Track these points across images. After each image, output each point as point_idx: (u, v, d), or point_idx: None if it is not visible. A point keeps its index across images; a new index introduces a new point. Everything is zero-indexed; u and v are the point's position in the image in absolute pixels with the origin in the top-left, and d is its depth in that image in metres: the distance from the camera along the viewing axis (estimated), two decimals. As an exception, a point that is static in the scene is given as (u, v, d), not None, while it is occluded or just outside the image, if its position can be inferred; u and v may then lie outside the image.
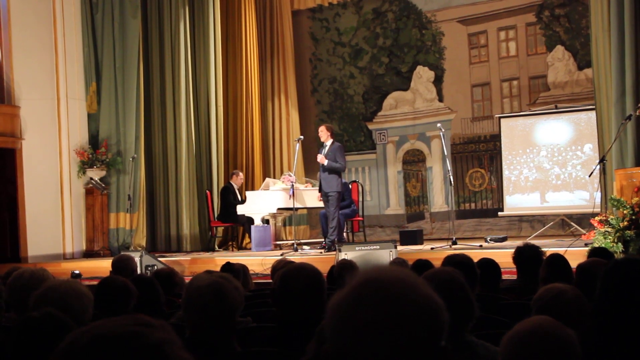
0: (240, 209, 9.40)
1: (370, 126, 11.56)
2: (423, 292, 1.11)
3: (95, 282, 6.74)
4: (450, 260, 3.28)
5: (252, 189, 10.11)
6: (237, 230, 10.20)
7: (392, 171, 11.30)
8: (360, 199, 9.64)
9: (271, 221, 9.56)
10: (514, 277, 4.27)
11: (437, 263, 4.05)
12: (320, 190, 8.27)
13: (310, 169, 11.51)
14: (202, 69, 10.44)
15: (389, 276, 1.12)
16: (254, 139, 11.08)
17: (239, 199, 9.72)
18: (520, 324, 1.83)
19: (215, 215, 9.75)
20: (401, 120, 11.29)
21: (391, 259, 6.37)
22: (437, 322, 1.09)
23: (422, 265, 3.89)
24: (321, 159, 7.99)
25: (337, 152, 8.03)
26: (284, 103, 11.47)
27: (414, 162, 11.23)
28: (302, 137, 9.37)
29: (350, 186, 9.44)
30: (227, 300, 2.26)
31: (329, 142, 8.13)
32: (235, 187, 9.76)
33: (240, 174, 9.85)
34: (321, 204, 8.82)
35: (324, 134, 8.15)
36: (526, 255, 4.08)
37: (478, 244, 7.79)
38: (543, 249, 4.13)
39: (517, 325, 1.83)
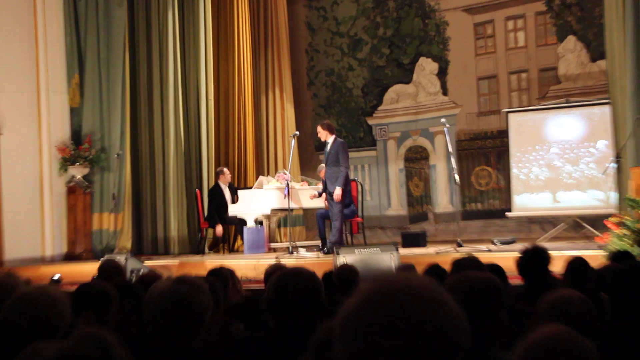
0: (232, 210, 9.35)
1: (370, 121, 11.57)
2: (448, 311, 1.05)
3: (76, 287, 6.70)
4: (459, 264, 3.23)
5: (245, 187, 10.04)
6: (228, 231, 10.14)
7: (393, 169, 11.31)
8: (360, 198, 9.62)
9: (265, 222, 9.52)
10: (520, 282, 4.25)
11: (446, 267, 4.02)
12: (324, 190, 8.23)
13: (306, 166, 11.54)
14: (191, 60, 10.40)
15: (411, 292, 1.06)
16: (247, 134, 11.05)
17: (228, 199, 9.66)
18: (534, 334, 1.77)
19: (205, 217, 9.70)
20: (403, 115, 11.29)
21: (394, 264, 6.34)
22: (459, 344, 1.05)
23: (436, 271, 3.82)
24: (323, 198, 8.30)
25: (340, 150, 8.03)
26: (278, 97, 11.46)
27: (416, 160, 11.23)
28: (297, 132, 9.36)
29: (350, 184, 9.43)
30: (192, 307, 2.23)
31: (330, 140, 8.12)
32: (224, 186, 9.70)
33: (226, 170, 9.78)
34: (318, 204, 8.77)
35: (322, 133, 8.16)
36: (532, 258, 4.04)
37: (485, 246, 7.75)
38: (554, 252, 4.09)
39: (530, 335, 1.77)
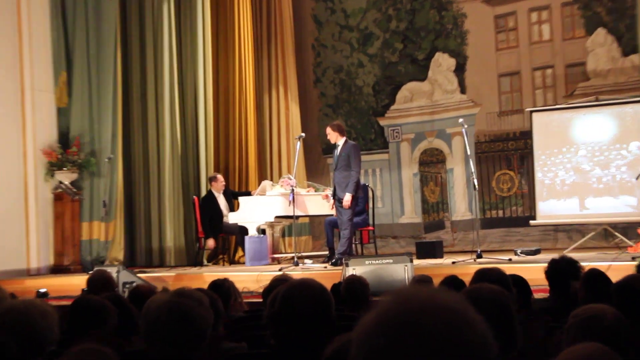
0: (233, 217, 9.37)
1: (382, 122, 11.57)
2: (476, 333, 1.03)
3: (64, 302, 6.71)
4: (482, 275, 3.23)
5: (246, 193, 10.06)
6: (228, 242, 10.15)
7: (407, 174, 11.31)
8: (371, 205, 9.64)
9: (268, 231, 9.55)
10: (546, 295, 4.27)
11: (464, 280, 4.01)
12: (333, 196, 8.27)
13: (313, 171, 11.57)
14: (189, 56, 10.44)
15: (436, 311, 1.04)
16: (249, 137, 11.09)
17: (224, 208, 9.71)
18: (565, 353, 1.76)
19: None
20: (417, 115, 11.29)
21: (408, 275, 6.32)
22: None
23: (452, 283, 3.82)
24: (331, 204, 8.36)
25: (352, 154, 8.07)
26: (282, 96, 11.49)
27: (432, 163, 11.24)
28: (303, 134, 9.37)
29: (368, 190, 9.48)
30: (192, 322, 2.22)
31: (341, 142, 8.17)
32: (217, 194, 9.72)
33: (219, 176, 9.85)
34: (326, 211, 8.81)
35: (332, 134, 8.21)
36: (560, 271, 4.03)
37: (507, 257, 7.74)
38: (582, 264, 4.09)
39: (562, 355, 1.75)
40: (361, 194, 8.50)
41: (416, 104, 11.30)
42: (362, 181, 8.94)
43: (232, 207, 9.82)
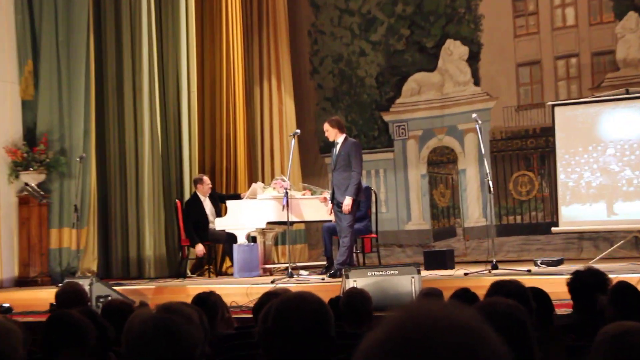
0: (220, 223, 9.37)
1: (386, 117, 11.59)
2: (494, 355, 1.04)
3: (30, 318, 6.70)
4: (498, 288, 3.23)
5: (235, 197, 10.06)
6: (214, 251, 10.13)
7: (414, 175, 11.33)
8: (374, 210, 9.63)
9: (259, 239, 9.56)
10: (570, 310, 4.30)
11: (477, 293, 4.00)
12: (332, 199, 8.26)
13: (309, 172, 11.58)
14: (170, 44, 10.45)
15: (448, 329, 1.03)
16: (238, 134, 11.11)
17: (209, 213, 9.72)
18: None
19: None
20: (426, 109, 11.31)
21: (415, 288, 6.31)
22: None
23: (463, 296, 3.80)
24: (329, 209, 8.33)
25: (353, 152, 8.08)
26: (275, 88, 11.51)
27: (442, 164, 11.27)
28: (298, 131, 9.38)
29: (371, 192, 9.48)
30: (180, 340, 2.21)
31: (340, 139, 8.18)
32: (203, 197, 9.73)
33: (205, 178, 9.88)
34: (324, 216, 8.85)
35: (330, 131, 8.22)
36: (585, 283, 4.02)
37: (526, 268, 7.75)
38: (610, 276, 4.10)
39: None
40: (363, 197, 8.48)
41: (424, 97, 11.31)
42: (364, 183, 8.93)
43: (219, 212, 9.81)
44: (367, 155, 10.87)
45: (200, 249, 9.47)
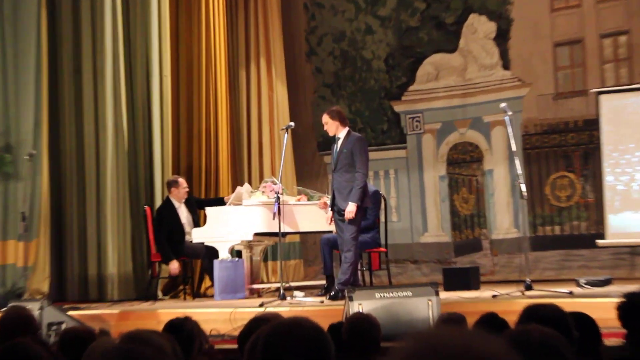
0: (197, 235, 9.36)
1: (398, 107, 11.61)
2: None
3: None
4: (532, 313, 3.24)
5: (216, 202, 10.03)
6: (191, 267, 10.10)
7: (431, 177, 11.36)
8: (383, 219, 9.65)
9: (245, 254, 9.57)
10: (621, 341, 4.22)
11: (507, 319, 3.97)
12: (332, 206, 8.26)
13: (305, 172, 11.60)
14: (138, 20, 10.44)
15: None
16: (220, 127, 11.15)
17: (186, 222, 9.72)
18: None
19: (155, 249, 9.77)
20: (445, 98, 11.34)
21: (433, 314, 6.28)
22: None
23: (491, 322, 3.78)
24: (328, 217, 8.32)
25: (357, 150, 8.08)
26: (264, 72, 11.55)
27: (464, 163, 11.31)
28: (292, 124, 9.38)
29: (380, 198, 9.49)
30: None
31: (342, 134, 8.20)
32: (178, 204, 9.74)
33: (181, 180, 9.89)
34: (323, 226, 8.82)
35: (330, 124, 8.22)
36: (637, 309, 4.00)
37: (566, 289, 7.73)
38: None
39: None
40: (369, 203, 8.48)
41: (443, 83, 11.35)
42: (371, 186, 8.94)
43: (198, 221, 9.80)
44: (375, 153, 10.97)
45: (174, 266, 9.45)
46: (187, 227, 9.71)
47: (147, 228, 9.82)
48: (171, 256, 9.47)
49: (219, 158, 11.10)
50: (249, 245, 9.61)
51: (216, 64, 11.17)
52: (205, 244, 9.30)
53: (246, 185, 9.88)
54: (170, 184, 9.83)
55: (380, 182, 11.36)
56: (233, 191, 9.84)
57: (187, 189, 9.87)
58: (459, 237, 11.20)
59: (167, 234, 9.57)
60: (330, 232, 8.88)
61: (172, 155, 10.52)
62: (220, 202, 9.86)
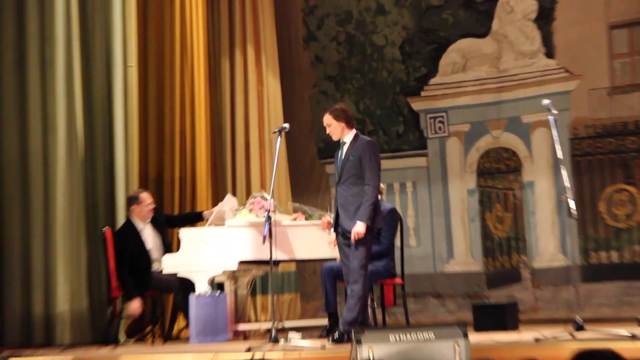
0: (168, 263, 9.26)
1: (416, 105, 11.68)
2: None
3: None
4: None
5: (190, 221, 10.11)
6: (161, 304, 10.08)
7: (457, 190, 11.42)
8: (399, 243, 9.53)
9: (228, 286, 9.56)
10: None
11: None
12: (335, 227, 8.18)
13: (302, 185, 11.66)
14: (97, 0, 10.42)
15: None
16: (197, 129, 11.21)
17: (153, 247, 9.68)
18: None
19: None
20: (475, 93, 11.43)
21: (462, 361, 6.18)
22: None
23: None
24: (332, 240, 8.22)
25: (367, 157, 7.96)
26: (252, 62, 11.62)
27: (499, 174, 11.36)
28: (287, 125, 9.20)
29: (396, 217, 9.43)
30: None
31: (348, 138, 8.09)
32: (142, 225, 9.64)
33: (144, 195, 9.78)
34: (329, 253, 8.72)
35: (334, 126, 8.10)
36: None
37: (626, 331, 7.56)
38: None
39: None
40: (383, 224, 8.35)
41: (472, 74, 11.44)
42: (385, 203, 8.92)
43: (169, 246, 9.73)
44: (388, 161, 11.10)
45: (134, 306, 9.35)
46: (154, 253, 9.61)
47: (106, 255, 9.65)
48: (132, 292, 9.35)
49: (197, 167, 11.08)
50: (233, 276, 9.55)
51: (193, 52, 11.21)
52: (179, 274, 9.19)
53: (229, 199, 9.78)
54: (130, 201, 9.71)
55: (395, 198, 11.42)
56: (214, 207, 9.80)
57: (151, 206, 9.73)
58: (493, 266, 11.24)
59: (130, 263, 9.43)
60: (334, 259, 8.82)
61: (138, 163, 10.42)
62: (198, 217, 9.89)
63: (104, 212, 10.16)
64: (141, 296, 9.43)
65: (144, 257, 9.52)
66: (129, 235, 9.57)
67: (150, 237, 9.64)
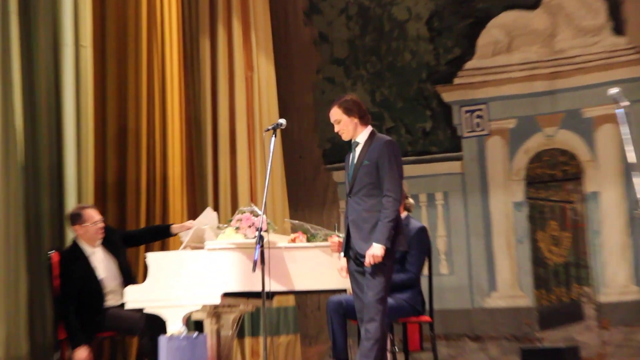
0: (132, 297, 8.92)
1: (448, 95, 11.73)
2: None
3: None
4: None
5: (164, 245, 10.32)
6: (123, 348, 10.17)
7: (500, 203, 11.48)
8: (427, 271, 9.34)
9: (209, 326, 9.35)
10: None
11: None
12: (346, 250, 7.98)
13: (302, 196, 11.78)
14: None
15: None
16: (169, 125, 11.33)
17: (109, 277, 9.43)
18: None
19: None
20: (522, 80, 11.44)
21: None
22: None
23: None
24: (343, 267, 8.08)
25: (385, 160, 7.74)
26: (239, 42, 11.65)
27: (554, 182, 11.36)
28: (282, 121, 9.02)
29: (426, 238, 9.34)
30: None
31: (362, 137, 7.91)
32: (88, 249, 9.37)
33: (89, 213, 9.56)
34: (337, 283, 8.57)
35: (345, 123, 7.90)
36: None
37: None
38: None
39: None
40: (406, 245, 8.12)
41: (519, 56, 11.47)
42: (413, 222, 8.80)
43: (128, 272, 9.47)
44: (413, 166, 11.17)
45: (80, 356, 9.07)
46: (108, 284, 9.34)
47: (52, 286, 9.44)
48: (79, 338, 9.07)
49: (168, 173, 11.04)
50: (215, 312, 9.35)
51: (164, 28, 11.23)
52: (146, 311, 8.91)
53: (208, 214, 9.53)
54: (72, 220, 9.46)
55: (422, 213, 11.52)
56: (191, 222, 9.60)
57: (100, 225, 9.45)
58: (547, 300, 11.21)
59: (77, 298, 9.16)
60: (344, 291, 8.79)
61: (94, 167, 10.28)
62: (164, 232, 9.72)
63: (49, 231, 9.94)
64: (91, 341, 9.19)
65: (95, 289, 9.19)
66: (75, 262, 9.28)
67: (102, 264, 9.33)
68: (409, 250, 8.41)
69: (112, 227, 9.71)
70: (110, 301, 9.21)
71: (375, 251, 7.51)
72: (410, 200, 8.85)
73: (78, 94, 10.13)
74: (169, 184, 11.00)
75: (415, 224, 8.69)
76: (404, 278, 8.48)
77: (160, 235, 9.75)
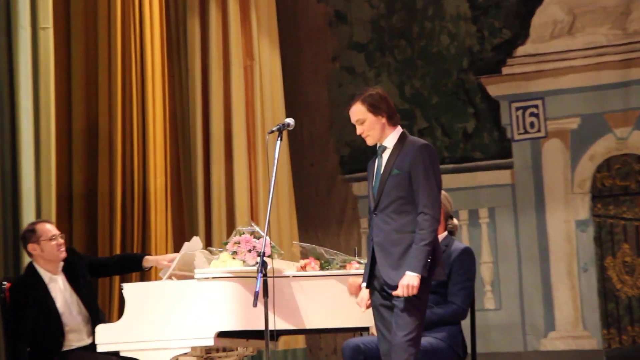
0: (105, 337, 8.93)
1: (495, 89, 11.82)
2: None
3: None
4: None
5: (143, 274, 10.33)
6: None
7: (560, 221, 11.53)
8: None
9: None
10: None
11: None
12: (369, 280, 7.96)
13: (314, 214, 11.93)
14: None
15: None
16: (150, 124, 11.52)
17: (73, 311, 9.46)
18: None
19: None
20: (588, 69, 11.49)
21: None
22: None
23: None
24: (363, 299, 8.11)
25: (419, 168, 7.71)
26: (236, 23, 11.71)
27: (627, 196, 11.38)
28: (290, 121, 8.96)
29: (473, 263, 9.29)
30: None
31: (390, 141, 7.88)
32: (47, 275, 9.35)
33: (46, 228, 9.54)
34: (357, 320, 8.61)
35: (370, 123, 7.86)
36: None
37: None
38: None
39: None
40: (442, 275, 8.09)
41: (584, 40, 11.56)
42: (457, 243, 8.79)
43: (95, 307, 9.51)
44: (451, 176, 11.31)
45: None
46: (69, 320, 9.30)
47: (6, 320, 9.45)
48: None
49: (149, 182, 11.07)
50: (208, 357, 9.39)
51: (143, 6, 11.17)
52: (122, 354, 8.92)
53: (195, 240, 9.52)
54: (26, 239, 9.43)
55: (462, 234, 11.52)
56: (175, 246, 9.79)
57: (60, 241, 9.43)
58: (618, 341, 11.16)
59: (31, 336, 9.16)
60: (365, 329, 8.83)
61: (56, 176, 10.35)
62: (136, 264, 9.67)
63: (1, 256, 10.01)
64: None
65: (52, 326, 9.15)
66: (30, 291, 9.26)
67: (61, 295, 9.31)
68: (450, 276, 8.39)
69: (76, 251, 9.67)
70: (73, 342, 9.19)
71: (411, 281, 7.46)
72: (455, 222, 8.81)
73: (36, 86, 10.20)
74: (149, 198, 10.97)
75: (458, 245, 8.65)
76: (445, 313, 8.45)
77: (131, 267, 9.72)
